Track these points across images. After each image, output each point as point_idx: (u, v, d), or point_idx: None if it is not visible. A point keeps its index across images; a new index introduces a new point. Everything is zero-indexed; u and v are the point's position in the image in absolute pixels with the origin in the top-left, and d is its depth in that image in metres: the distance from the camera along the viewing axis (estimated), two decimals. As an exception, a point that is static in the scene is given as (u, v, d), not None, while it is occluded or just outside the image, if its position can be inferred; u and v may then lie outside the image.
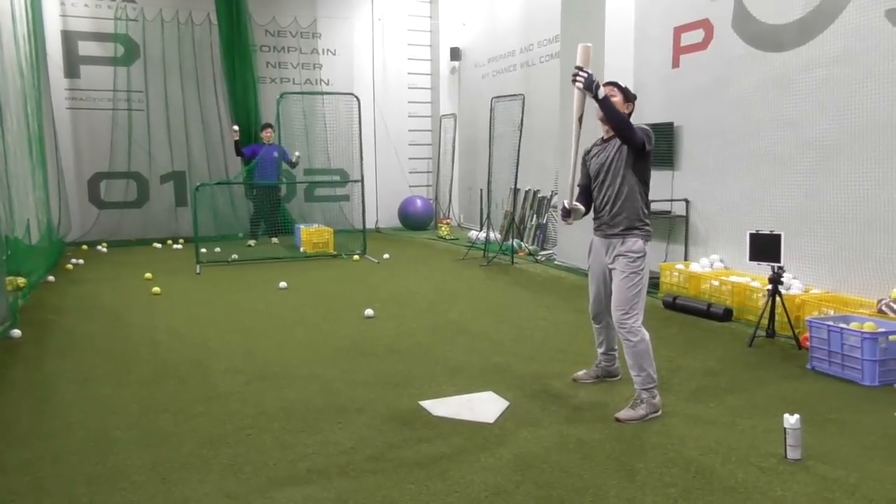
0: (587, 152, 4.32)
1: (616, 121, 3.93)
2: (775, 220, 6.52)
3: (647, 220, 4.11)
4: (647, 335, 4.01)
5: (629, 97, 4.18)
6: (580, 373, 4.65)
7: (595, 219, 4.26)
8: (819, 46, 6.22)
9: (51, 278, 8.62)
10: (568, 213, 4.17)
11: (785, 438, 3.37)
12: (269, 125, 11.85)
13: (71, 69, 12.58)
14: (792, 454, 3.34)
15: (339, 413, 4.07)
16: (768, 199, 6.79)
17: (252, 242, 11.69)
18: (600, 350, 4.58)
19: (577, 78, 3.79)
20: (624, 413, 3.93)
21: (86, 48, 12.62)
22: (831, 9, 6.08)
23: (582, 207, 4.21)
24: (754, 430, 3.74)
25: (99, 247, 11.66)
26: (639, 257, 4.01)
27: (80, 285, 8.35)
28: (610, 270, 4.15)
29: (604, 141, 4.19)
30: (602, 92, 3.86)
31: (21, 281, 7.21)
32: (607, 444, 3.59)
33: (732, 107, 7.21)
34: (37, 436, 3.80)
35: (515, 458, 3.42)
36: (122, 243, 12.24)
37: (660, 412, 3.96)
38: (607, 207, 4.11)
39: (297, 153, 11.78)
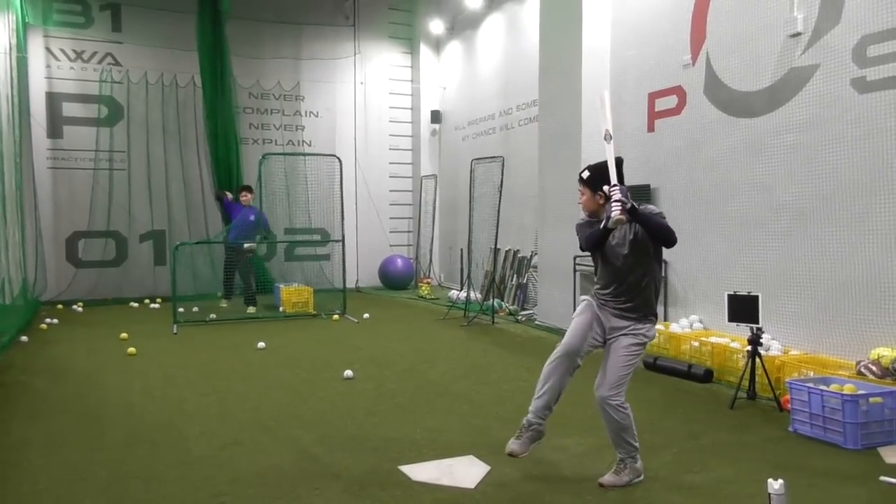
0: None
1: (662, 236, 3.91)
2: (753, 282, 6.59)
3: (656, 308, 4.03)
4: (629, 408, 3.87)
5: (596, 180, 4.12)
6: (514, 446, 3.94)
7: (608, 295, 3.98)
8: (788, 113, 6.41)
9: (24, 338, 8.44)
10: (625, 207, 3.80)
11: (769, 504, 3.33)
12: (248, 188, 11.59)
13: (54, 129, 12.61)
14: (777, 520, 3.30)
15: (316, 478, 3.97)
16: (745, 260, 6.88)
17: (224, 303, 11.26)
18: (540, 403, 3.99)
19: (615, 203, 3.80)
20: (608, 478, 3.87)
21: (69, 109, 12.69)
22: (799, 77, 6.30)
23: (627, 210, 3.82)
24: (738, 496, 3.70)
25: (74, 306, 11.46)
26: (645, 342, 3.94)
27: (54, 346, 8.18)
28: (609, 342, 3.94)
29: None
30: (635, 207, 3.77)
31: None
32: (591, 511, 3.53)
33: (707, 170, 7.37)
34: (1, 504, 3.67)
35: (497, 526, 3.34)
36: (98, 302, 12.07)
37: (643, 476, 3.91)
38: (627, 294, 3.91)
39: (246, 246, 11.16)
